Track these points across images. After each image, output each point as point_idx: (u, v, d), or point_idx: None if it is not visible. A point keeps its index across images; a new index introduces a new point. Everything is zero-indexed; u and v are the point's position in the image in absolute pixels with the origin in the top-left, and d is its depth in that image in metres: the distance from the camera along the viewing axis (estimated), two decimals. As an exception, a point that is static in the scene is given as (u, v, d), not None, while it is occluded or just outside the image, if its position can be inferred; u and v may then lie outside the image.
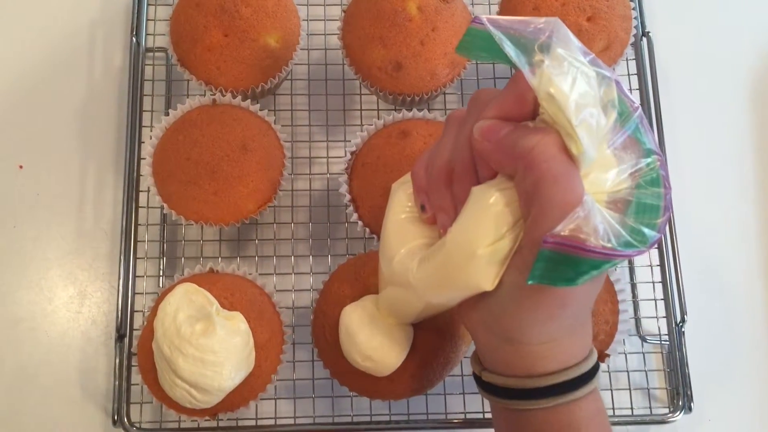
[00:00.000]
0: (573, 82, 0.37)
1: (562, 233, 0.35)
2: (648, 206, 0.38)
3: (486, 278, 0.41)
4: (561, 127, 0.37)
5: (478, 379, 0.47)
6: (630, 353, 0.70)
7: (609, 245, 0.35)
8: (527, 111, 0.40)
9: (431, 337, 0.58)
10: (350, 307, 0.57)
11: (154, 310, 0.60)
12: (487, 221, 0.40)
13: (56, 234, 0.74)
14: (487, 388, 0.46)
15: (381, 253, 0.51)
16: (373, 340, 0.55)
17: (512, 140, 0.39)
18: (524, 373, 0.43)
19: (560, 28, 0.38)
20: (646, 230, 0.37)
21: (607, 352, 0.61)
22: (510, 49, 0.37)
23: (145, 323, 0.61)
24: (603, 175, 0.38)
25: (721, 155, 0.79)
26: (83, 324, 0.71)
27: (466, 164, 0.43)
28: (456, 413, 0.67)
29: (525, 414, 0.44)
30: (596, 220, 0.35)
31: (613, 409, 0.67)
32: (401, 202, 0.50)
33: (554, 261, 0.36)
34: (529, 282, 0.37)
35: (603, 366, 0.62)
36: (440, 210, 0.46)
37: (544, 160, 0.36)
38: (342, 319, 0.57)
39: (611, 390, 0.68)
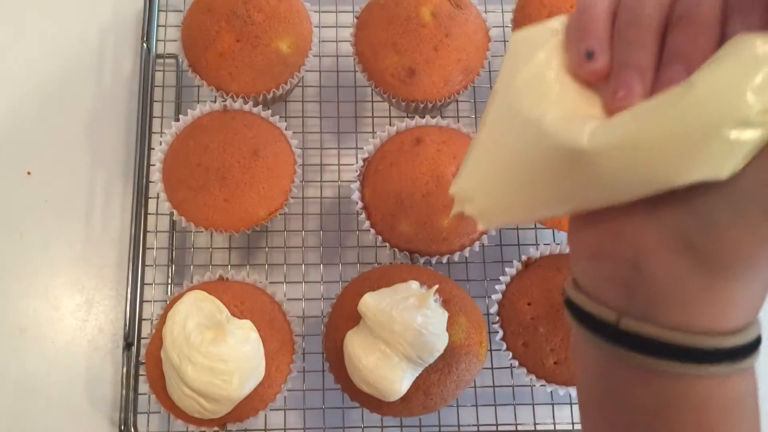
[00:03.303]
0: None
1: None
2: None
3: (730, 160, 0.27)
4: None
5: (603, 325, 0.32)
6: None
7: None
8: None
9: (444, 357, 0.57)
10: (353, 333, 0.57)
11: (162, 318, 0.59)
12: (756, 82, 0.27)
13: (64, 241, 0.73)
14: (618, 338, 0.31)
15: (502, 113, 0.34)
16: (376, 369, 0.54)
17: None
18: (708, 326, 0.30)
19: None
20: None
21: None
22: None
23: (154, 331, 0.60)
24: None
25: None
26: (90, 332, 0.70)
27: (710, 10, 0.29)
28: (469, 426, 0.66)
29: (678, 383, 0.31)
30: None
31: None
32: (548, 51, 0.33)
33: None
34: None
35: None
36: (629, 65, 0.31)
37: None
38: (345, 346, 0.56)
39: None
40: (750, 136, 0.27)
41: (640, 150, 0.29)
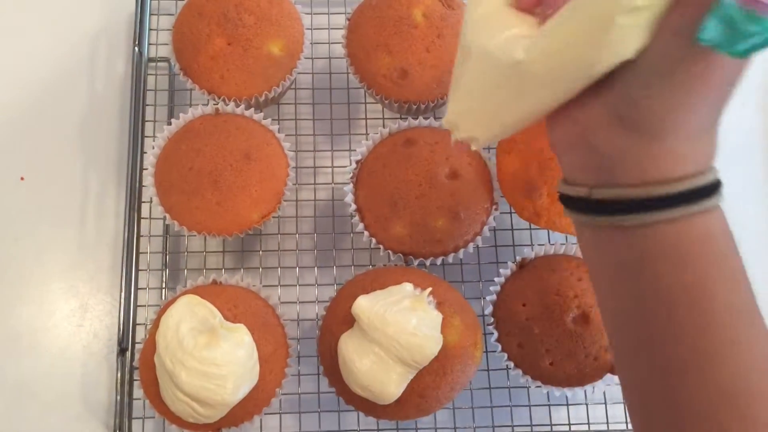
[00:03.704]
0: None
1: None
2: None
3: (630, 41, 0.33)
4: None
5: (581, 202, 0.39)
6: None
7: None
8: None
9: (439, 359, 0.56)
10: (347, 336, 0.56)
11: (156, 323, 0.58)
12: None
13: (58, 246, 0.73)
14: (598, 208, 0.38)
15: (465, 48, 0.42)
16: (370, 372, 0.54)
17: None
18: (659, 177, 0.36)
19: None
20: None
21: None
22: None
23: (147, 336, 0.60)
24: None
25: (728, 154, 0.78)
26: (85, 338, 0.70)
27: None
28: (465, 428, 0.66)
29: (652, 231, 0.37)
30: None
31: (627, 422, 0.66)
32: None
33: (731, 20, 0.30)
34: (702, 40, 0.31)
35: (616, 379, 0.61)
36: None
37: None
38: (339, 349, 0.56)
39: (624, 403, 0.66)
40: (639, 18, 0.32)
41: (559, 51, 0.35)
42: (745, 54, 0.31)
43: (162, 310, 0.60)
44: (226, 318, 0.58)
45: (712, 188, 0.37)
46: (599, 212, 0.38)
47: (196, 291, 0.60)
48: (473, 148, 0.45)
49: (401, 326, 0.54)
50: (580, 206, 0.40)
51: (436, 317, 0.56)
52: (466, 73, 0.42)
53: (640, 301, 0.38)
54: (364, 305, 0.56)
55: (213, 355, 0.54)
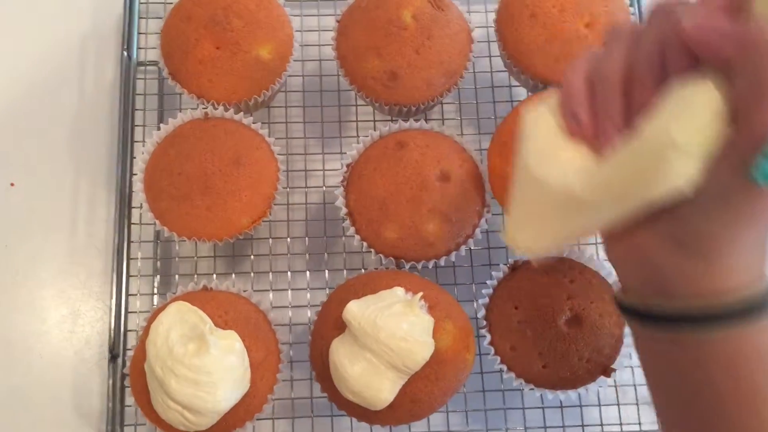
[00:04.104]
0: None
1: None
2: None
3: (686, 177, 0.36)
4: None
5: (637, 314, 0.42)
6: (636, 367, 0.68)
7: None
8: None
9: (431, 364, 0.56)
10: (338, 341, 0.56)
11: (146, 330, 0.58)
12: (696, 112, 0.35)
13: (48, 253, 0.72)
14: (657, 319, 0.41)
15: (523, 176, 0.45)
16: (361, 378, 0.54)
17: (743, 28, 0.34)
18: (714, 294, 0.38)
19: None
20: None
21: (612, 366, 0.60)
22: None
23: (138, 343, 0.59)
24: None
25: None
26: (77, 344, 0.70)
27: (654, 68, 0.38)
28: (459, 431, 0.65)
29: (707, 343, 0.39)
30: None
31: (621, 424, 0.66)
32: (547, 122, 0.44)
33: None
34: (753, 176, 0.33)
35: (609, 381, 0.61)
36: (606, 118, 0.40)
37: None
38: (330, 354, 0.56)
39: (618, 405, 0.66)
40: (691, 158, 0.35)
41: (615, 185, 0.39)
42: None
43: (152, 317, 0.59)
44: (217, 324, 0.58)
45: (766, 302, 0.39)
46: (655, 322, 0.41)
47: (187, 297, 0.60)
48: (531, 257, 0.51)
49: (392, 331, 0.54)
50: (636, 315, 0.43)
51: (428, 322, 0.56)
52: (523, 193, 0.46)
53: (693, 399, 0.41)
54: (354, 310, 0.55)
55: (203, 363, 0.54)
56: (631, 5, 0.72)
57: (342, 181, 0.65)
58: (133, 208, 0.69)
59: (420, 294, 0.56)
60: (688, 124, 0.35)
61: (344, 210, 0.65)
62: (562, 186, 0.41)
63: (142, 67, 0.75)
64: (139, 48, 0.75)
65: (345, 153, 0.67)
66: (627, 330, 0.61)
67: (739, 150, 0.35)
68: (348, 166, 0.66)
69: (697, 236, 0.38)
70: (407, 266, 0.64)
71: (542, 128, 0.44)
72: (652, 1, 0.39)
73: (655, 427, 0.64)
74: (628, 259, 0.42)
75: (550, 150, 0.43)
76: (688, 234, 0.38)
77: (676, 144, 0.35)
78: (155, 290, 0.69)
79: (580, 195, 0.40)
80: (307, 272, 0.70)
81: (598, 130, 0.41)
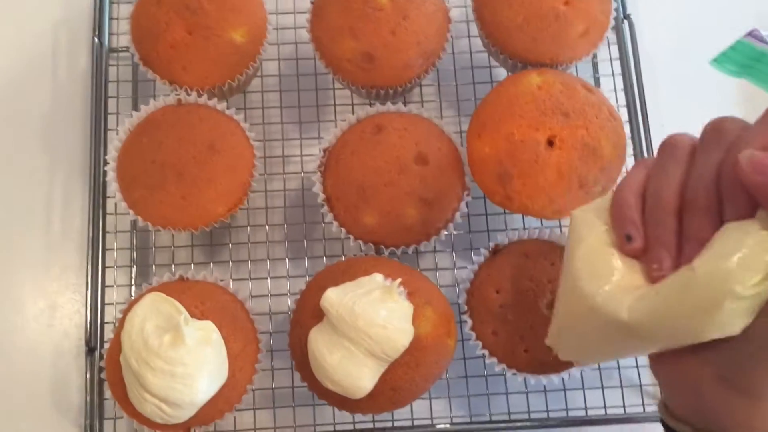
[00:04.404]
0: None
1: None
2: None
3: (738, 321, 0.37)
4: None
5: None
6: (621, 348, 0.68)
7: None
8: None
9: (411, 350, 0.55)
10: (316, 330, 0.55)
11: (121, 322, 0.57)
12: (753, 259, 0.36)
13: (24, 245, 0.71)
14: None
15: (568, 288, 0.45)
16: (340, 366, 0.53)
17: None
18: (764, 430, 0.40)
19: None
20: None
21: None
22: None
23: (113, 336, 0.58)
24: None
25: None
26: (55, 337, 0.69)
27: (710, 198, 0.39)
28: (442, 418, 0.65)
29: None
30: None
31: (605, 408, 0.65)
32: (596, 232, 0.44)
33: None
34: None
35: (593, 364, 0.60)
36: (659, 244, 0.41)
37: None
38: (309, 343, 0.55)
39: (602, 388, 0.66)
40: (745, 304, 0.35)
41: (664, 319, 0.38)
42: None
43: (127, 308, 0.58)
44: (194, 315, 0.56)
45: None
46: None
47: (162, 288, 0.59)
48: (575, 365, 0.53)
49: (371, 318, 0.53)
50: None
51: (407, 308, 0.55)
52: (569, 304, 0.45)
53: None
54: (332, 298, 0.54)
55: (179, 354, 0.53)
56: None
57: (319, 167, 0.64)
58: (108, 198, 0.68)
59: (398, 280, 0.55)
60: (746, 274, 0.35)
61: (322, 196, 0.64)
62: (609, 310, 0.41)
63: (115, 54, 0.74)
64: (111, 34, 0.74)
65: (323, 138, 0.66)
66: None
67: None
68: (325, 150, 0.65)
69: (744, 375, 0.38)
70: (387, 252, 0.63)
71: (591, 237, 0.44)
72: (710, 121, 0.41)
73: (639, 409, 0.64)
74: (674, 383, 0.43)
75: (599, 263, 0.43)
76: (736, 372, 0.39)
77: (734, 293, 0.35)
78: (133, 281, 0.68)
79: (628, 323, 0.40)
80: (287, 260, 0.69)
81: (651, 256, 0.41)
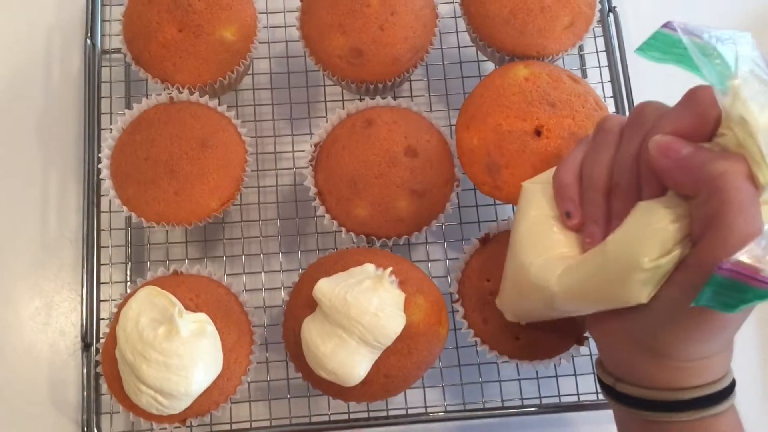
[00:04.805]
0: (764, 107, 0.36)
1: (739, 261, 0.35)
2: None
3: (644, 291, 0.41)
4: (749, 153, 0.37)
5: (609, 389, 0.48)
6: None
7: None
8: (707, 131, 0.39)
9: (403, 338, 0.56)
10: (309, 320, 0.56)
11: (116, 317, 0.58)
12: (655, 236, 0.40)
13: (20, 244, 0.72)
14: (621, 398, 0.46)
15: (512, 256, 0.51)
16: (334, 355, 0.53)
17: (698, 162, 0.38)
18: (667, 386, 0.43)
19: (751, 43, 0.38)
20: None
21: (585, 335, 0.60)
22: (701, 62, 0.37)
23: (108, 330, 0.59)
24: None
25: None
26: (51, 335, 0.69)
27: (631, 180, 0.43)
28: (436, 406, 0.66)
29: (666, 426, 0.44)
30: None
31: (597, 393, 0.66)
32: (540, 206, 0.50)
33: (723, 287, 0.36)
34: (695, 304, 0.37)
35: (584, 350, 0.61)
36: (592, 221, 0.46)
37: (732, 188, 0.36)
38: (302, 333, 0.56)
39: (594, 374, 0.66)
40: (653, 274, 0.40)
41: (584, 291, 0.44)
42: (739, 310, 0.36)
43: (122, 303, 0.59)
44: (188, 308, 0.57)
45: (721, 395, 0.43)
46: (622, 401, 0.46)
47: (157, 282, 0.59)
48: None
49: (363, 307, 0.54)
50: (608, 391, 0.48)
51: (399, 296, 0.56)
52: (512, 271, 0.52)
53: None
54: (324, 288, 0.55)
55: (174, 346, 0.54)
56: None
57: (311, 161, 0.65)
58: (102, 196, 0.68)
59: (389, 269, 0.56)
60: (649, 249, 0.39)
61: (314, 190, 0.64)
62: (540, 281, 0.47)
63: (107, 55, 0.75)
64: (103, 35, 0.75)
65: (314, 134, 0.67)
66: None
67: (688, 274, 0.39)
68: (316, 145, 0.66)
69: (652, 340, 0.43)
70: (378, 244, 0.64)
71: (536, 210, 0.50)
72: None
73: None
74: (601, 341, 0.49)
75: (539, 237, 0.49)
76: (644, 337, 0.43)
77: (641, 267, 0.39)
78: (128, 278, 0.69)
79: (556, 293, 0.46)
80: (280, 254, 0.70)
81: (585, 229, 0.47)
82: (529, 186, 0.52)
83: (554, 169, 0.50)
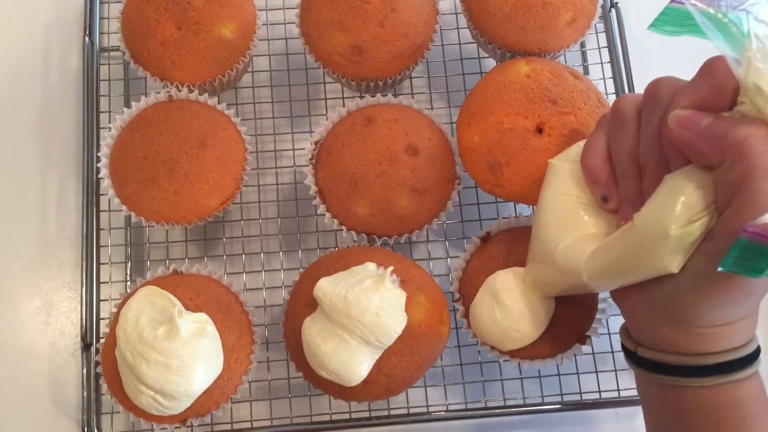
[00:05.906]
0: None
1: (766, 224, 0.35)
2: None
3: (674, 260, 0.41)
4: None
5: (631, 354, 0.48)
6: (614, 333, 0.67)
7: None
8: (725, 101, 0.39)
9: (404, 338, 0.55)
10: (310, 319, 0.55)
11: (116, 317, 0.57)
12: (681, 205, 0.40)
13: (19, 244, 0.71)
14: (642, 363, 0.47)
15: (536, 235, 0.52)
16: (335, 355, 0.53)
17: (720, 130, 0.38)
18: (690, 351, 0.44)
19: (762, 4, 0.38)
20: None
21: (587, 333, 0.59)
22: (713, 34, 0.37)
23: (108, 330, 0.59)
24: None
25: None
26: (51, 335, 0.69)
27: (658, 159, 0.44)
28: (437, 405, 0.65)
29: (686, 391, 0.44)
30: None
31: (599, 392, 0.65)
32: (567, 187, 0.51)
33: (749, 251, 0.36)
34: (720, 269, 0.37)
35: (586, 349, 0.61)
36: (627, 201, 0.47)
37: (756, 152, 0.36)
38: (303, 333, 0.55)
39: (596, 372, 0.66)
40: (677, 244, 0.40)
41: (614, 269, 0.45)
42: (765, 275, 0.36)
43: (122, 303, 0.59)
44: (188, 307, 0.57)
45: (744, 361, 0.43)
46: (644, 366, 0.47)
47: (156, 282, 0.59)
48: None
49: (364, 306, 0.53)
50: (631, 356, 0.49)
51: (400, 296, 0.56)
52: (536, 250, 0.53)
53: None
54: (325, 287, 0.55)
55: (174, 346, 0.53)
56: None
57: (311, 159, 0.65)
58: (102, 195, 0.68)
59: (390, 268, 0.56)
60: (678, 216, 0.40)
61: (314, 188, 0.64)
62: (567, 264, 0.48)
63: (106, 53, 0.74)
64: (102, 33, 0.74)
65: (315, 132, 0.66)
66: (600, 296, 0.61)
67: (714, 242, 0.39)
68: (316, 143, 0.65)
69: (677, 309, 0.43)
70: (379, 242, 0.63)
71: (563, 188, 0.51)
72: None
73: (633, 392, 0.65)
74: (625, 310, 0.49)
75: (564, 217, 0.50)
76: (669, 306, 0.43)
77: (668, 234, 0.40)
78: (128, 277, 0.68)
79: (582, 274, 0.47)
80: (281, 253, 0.69)
81: (621, 211, 0.48)
82: (556, 164, 0.52)
83: (580, 145, 0.51)
